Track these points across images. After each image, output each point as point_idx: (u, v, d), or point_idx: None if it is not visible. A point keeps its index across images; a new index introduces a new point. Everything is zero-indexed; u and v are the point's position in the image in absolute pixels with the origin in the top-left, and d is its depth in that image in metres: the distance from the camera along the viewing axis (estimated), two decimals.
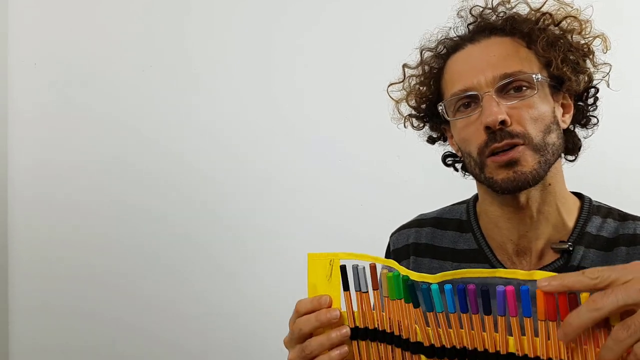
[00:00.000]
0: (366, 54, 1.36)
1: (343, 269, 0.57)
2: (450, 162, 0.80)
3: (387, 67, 1.41)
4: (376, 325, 0.55)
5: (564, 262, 0.64)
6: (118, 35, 1.50)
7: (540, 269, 0.64)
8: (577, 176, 0.73)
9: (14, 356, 1.49)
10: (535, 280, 0.46)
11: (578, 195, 0.70)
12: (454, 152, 0.77)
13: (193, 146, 1.44)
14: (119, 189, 1.46)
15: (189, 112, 1.45)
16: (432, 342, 0.52)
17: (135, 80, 1.48)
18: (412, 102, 0.76)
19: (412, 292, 0.52)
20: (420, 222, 0.79)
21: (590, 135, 0.72)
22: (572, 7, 0.67)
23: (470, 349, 0.50)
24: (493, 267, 0.68)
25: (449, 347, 0.51)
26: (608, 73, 0.69)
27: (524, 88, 0.62)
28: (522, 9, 0.68)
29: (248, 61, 1.43)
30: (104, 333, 1.45)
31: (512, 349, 0.48)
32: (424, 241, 0.76)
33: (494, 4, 0.69)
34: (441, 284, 0.50)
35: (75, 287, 1.46)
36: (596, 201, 0.69)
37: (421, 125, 0.78)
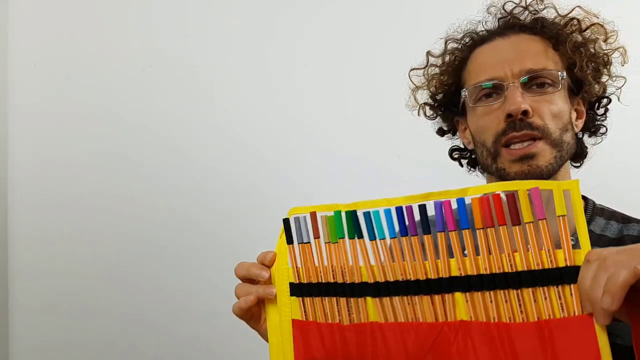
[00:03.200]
0: (366, 54, 1.36)
1: (286, 222, 0.58)
2: (456, 156, 0.81)
3: (387, 67, 1.41)
4: (320, 279, 0.55)
5: None
6: (118, 35, 1.50)
7: None
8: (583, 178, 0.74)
9: (14, 355, 1.49)
10: (463, 199, 0.48)
11: (582, 197, 0.71)
12: (461, 146, 0.78)
13: (194, 145, 1.44)
14: (119, 187, 1.46)
15: (189, 111, 1.45)
16: (377, 280, 0.52)
17: (135, 80, 1.48)
18: (432, 89, 0.78)
19: (354, 222, 0.53)
20: None
21: (599, 143, 0.74)
22: (597, 17, 0.69)
23: (413, 280, 0.50)
24: None
25: (392, 280, 0.51)
26: (621, 87, 0.71)
27: (547, 85, 0.64)
28: (550, 14, 0.71)
29: (248, 61, 1.43)
30: (106, 332, 1.45)
31: (454, 272, 0.48)
32: None
33: (526, 3, 0.71)
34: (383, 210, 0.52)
35: (77, 286, 1.46)
36: (599, 204, 0.70)
37: (434, 115, 0.80)
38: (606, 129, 0.74)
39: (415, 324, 0.49)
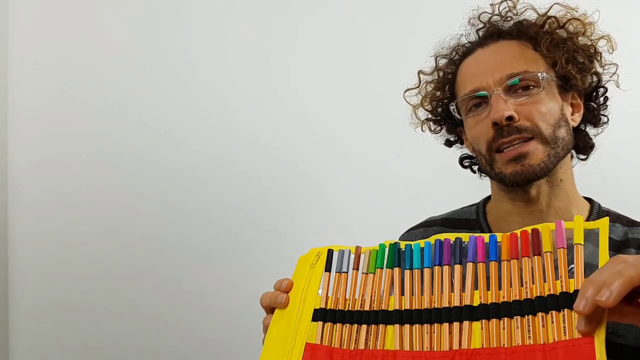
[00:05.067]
0: (366, 54, 1.36)
1: (330, 252, 0.61)
2: (467, 164, 0.83)
3: (386, 67, 1.41)
4: (347, 307, 0.57)
5: None
6: (118, 35, 1.50)
7: None
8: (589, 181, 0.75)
9: (14, 356, 1.49)
10: (495, 235, 0.51)
11: (587, 199, 0.72)
12: (469, 154, 0.80)
13: (194, 144, 1.44)
14: (120, 186, 1.46)
15: (189, 111, 1.45)
16: (404, 308, 0.53)
17: (135, 80, 1.48)
18: (428, 107, 0.79)
19: (395, 254, 0.56)
20: (428, 223, 0.81)
21: (600, 133, 0.75)
22: (577, 11, 0.70)
23: (437, 308, 0.51)
24: None
25: (418, 308, 0.52)
26: (615, 73, 0.71)
27: (531, 87, 0.65)
28: (529, 15, 0.71)
29: (247, 61, 1.43)
30: (107, 333, 1.45)
31: (476, 303, 0.50)
32: None
33: (501, 10, 0.73)
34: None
35: (77, 286, 1.46)
36: (605, 207, 0.71)
37: (438, 128, 0.82)
38: (607, 118, 0.74)
39: (429, 353, 0.49)
